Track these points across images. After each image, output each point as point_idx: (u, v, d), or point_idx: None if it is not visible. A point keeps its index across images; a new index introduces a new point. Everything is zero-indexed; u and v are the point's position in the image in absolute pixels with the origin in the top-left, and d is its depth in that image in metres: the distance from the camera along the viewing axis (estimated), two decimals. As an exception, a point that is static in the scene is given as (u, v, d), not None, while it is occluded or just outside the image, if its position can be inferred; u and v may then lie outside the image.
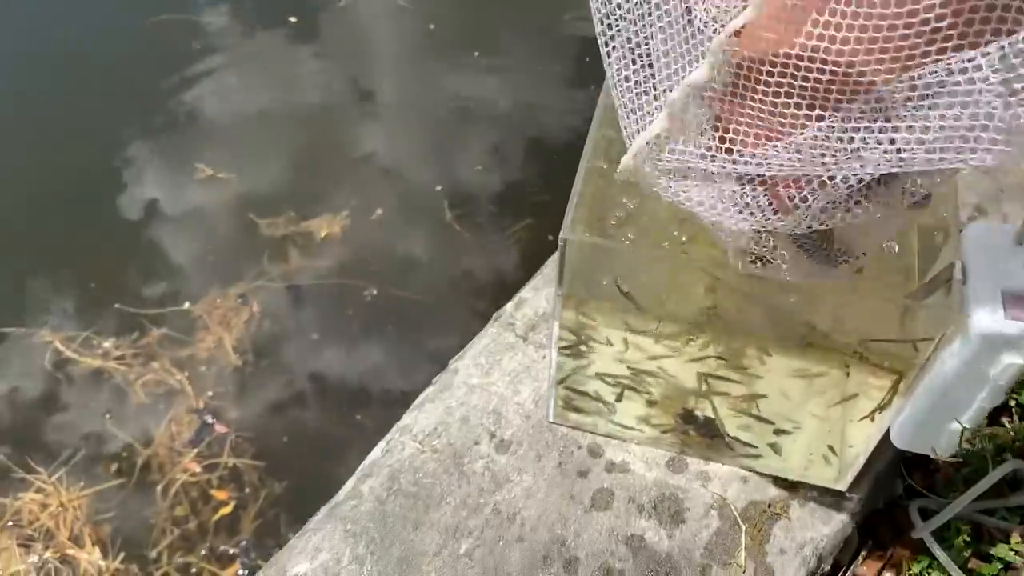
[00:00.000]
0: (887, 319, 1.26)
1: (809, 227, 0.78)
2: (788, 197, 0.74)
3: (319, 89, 3.39)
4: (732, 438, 1.61)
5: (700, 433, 1.64)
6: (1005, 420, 1.74)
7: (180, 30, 3.54)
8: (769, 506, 1.61)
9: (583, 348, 1.53)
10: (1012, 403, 1.74)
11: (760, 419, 1.57)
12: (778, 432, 1.58)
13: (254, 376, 2.50)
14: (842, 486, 1.62)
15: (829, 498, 1.62)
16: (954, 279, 1.14)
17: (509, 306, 1.89)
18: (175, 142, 3.17)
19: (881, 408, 1.43)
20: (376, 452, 1.67)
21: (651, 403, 1.64)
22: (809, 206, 0.74)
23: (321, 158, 3.05)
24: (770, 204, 0.77)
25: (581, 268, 1.31)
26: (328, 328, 2.61)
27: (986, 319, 1.10)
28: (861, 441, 1.50)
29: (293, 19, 3.70)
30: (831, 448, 1.61)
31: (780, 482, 1.64)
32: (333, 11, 3.77)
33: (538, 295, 1.90)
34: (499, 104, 3.29)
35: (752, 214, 0.79)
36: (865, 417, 1.46)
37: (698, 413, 1.62)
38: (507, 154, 3.08)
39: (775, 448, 1.61)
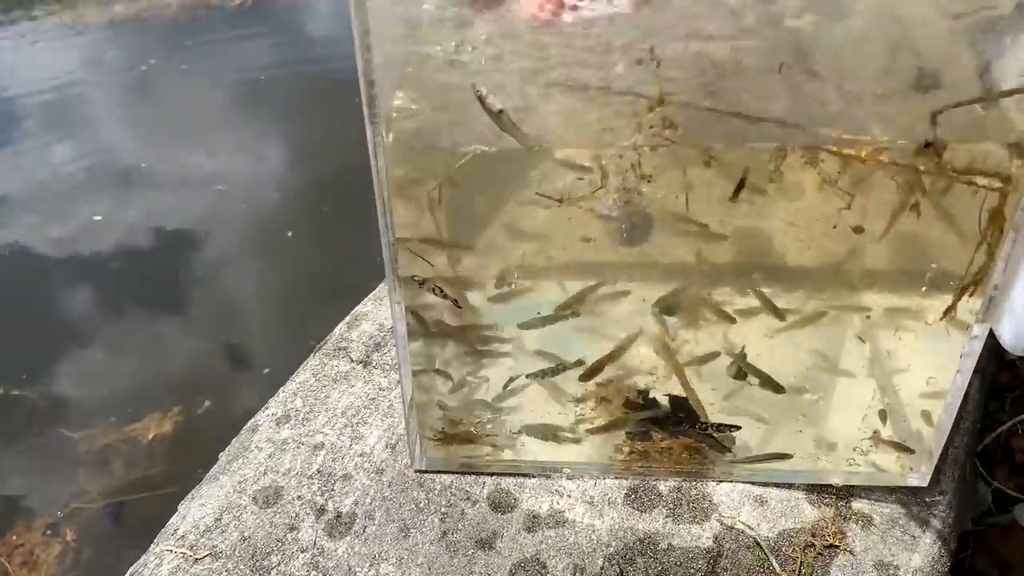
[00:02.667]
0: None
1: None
2: None
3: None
4: (723, 428, 0.94)
5: (671, 429, 0.96)
6: None
7: None
8: (814, 535, 0.91)
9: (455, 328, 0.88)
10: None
11: (767, 381, 0.91)
12: (790, 394, 0.93)
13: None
14: (920, 477, 0.95)
15: (902, 508, 0.95)
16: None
17: (339, 328, 1.21)
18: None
19: (971, 287, 0.81)
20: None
21: (580, 399, 0.96)
22: None
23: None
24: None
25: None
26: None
27: None
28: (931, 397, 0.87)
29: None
30: (883, 415, 0.95)
31: (820, 493, 0.96)
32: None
33: (383, 306, 1.23)
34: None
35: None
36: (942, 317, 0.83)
37: (656, 394, 0.95)
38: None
39: (794, 429, 0.95)
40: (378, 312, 1.23)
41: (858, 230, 0.87)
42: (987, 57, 0.71)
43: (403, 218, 0.84)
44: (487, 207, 0.91)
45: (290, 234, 2.67)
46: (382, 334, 1.19)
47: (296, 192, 2.85)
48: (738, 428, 0.96)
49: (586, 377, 0.94)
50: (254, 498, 0.98)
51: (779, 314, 0.92)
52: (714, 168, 0.78)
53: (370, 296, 1.27)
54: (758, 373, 0.94)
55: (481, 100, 0.73)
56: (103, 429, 2.31)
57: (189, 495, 1.02)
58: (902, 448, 0.96)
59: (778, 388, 0.95)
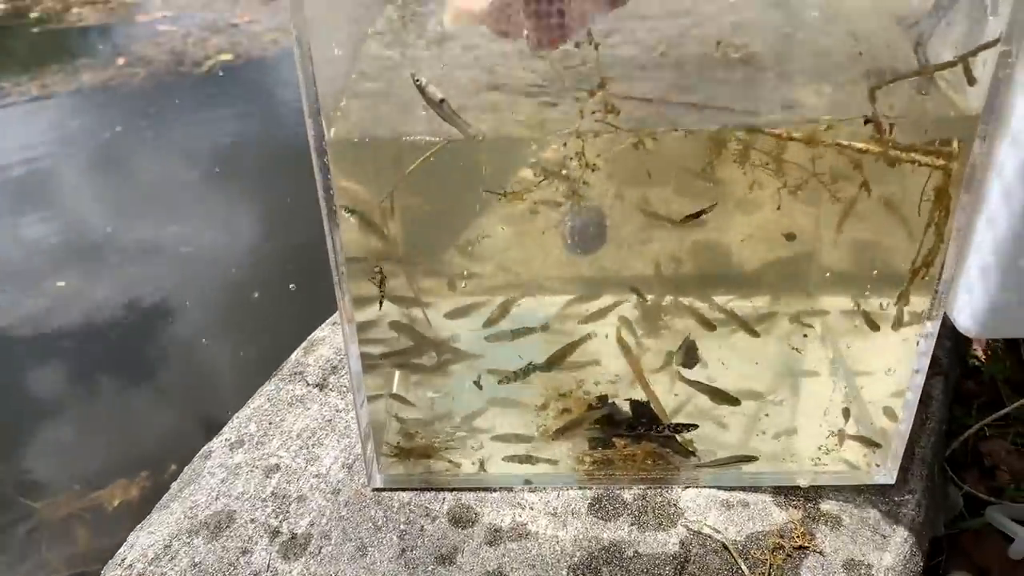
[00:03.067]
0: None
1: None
2: None
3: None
4: (681, 428, 0.93)
5: (631, 433, 0.94)
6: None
7: None
8: (782, 537, 0.89)
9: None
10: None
11: (716, 393, 0.91)
12: (753, 396, 0.92)
13: None
14: (887, 474, 0.93)
15: (871, 508, 0.93)
16: None
17: (295, 354, 1.18)
18: None
19: (922, 269, 0.81)
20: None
21: (543, 405, 0.94)
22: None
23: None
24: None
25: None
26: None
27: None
28: (891, 390, 0.87)
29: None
30: (846, 413, 0.94)
31: (788, 496, 0.94)
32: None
33: (340, 330, 1.20)
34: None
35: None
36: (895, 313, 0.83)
37: (615, 399, 0.94)
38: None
39: (728, 400, 0.93)
40: (335, 336, 1.21)
41: (790, 237, 0.87)
42: (922, 31, 0.72)
43: (353, 235, 0.83)
44: (440, 215, 0.90)
45: (257, 295, 2.63)
46: (339, 357, 1.17)
47: (264, 257, 2.82)
48: (695, 427, 0.94)
49: (545, 368, 0.92)
50: (205, 523, 0.94)
51: (750, 328, 0.92)
52: (660, 155, 0.78)
53: (328, 321, 1.25)
54: (708, 389, 0.93)
55: (421, 89, 0.73)
56: (67, 497, 2.25)
57: (139, 525, 0.98)
58: (868, 442, 0.94)
59: (732, 400, 0.94)
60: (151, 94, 4.15)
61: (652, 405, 0.94)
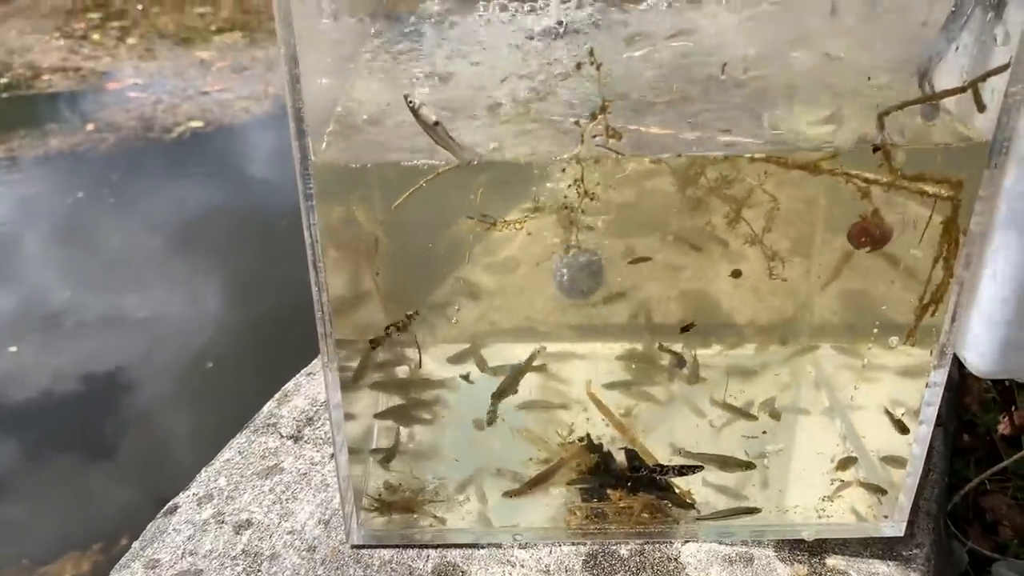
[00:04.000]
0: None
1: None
2: None
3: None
4: (685, 470, 0.88)
5: (633, 483, 0.89)
6: None
7: None
8: (789, 594, 0.84)
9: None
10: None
11: (727, 462, 0.88)
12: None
13: None
14: (895, 526, 0.89)
15: (879, 563, 0.90)
16: None
17: (268, 406, 1.12)
18: None
19: (930, 305, 0.78)
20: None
21: (540, 442, 0.90)
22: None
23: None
24: None
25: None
26: None
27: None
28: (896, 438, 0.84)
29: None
30: (850, 461, 0.90)
31: (792, 550, 0.90)
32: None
33: (315, 380, 1.15)
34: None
35: None
36: (904, 341, 0.80)
37: (601, 443, 0.89)
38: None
39: (740, 465, 0.89)
40: (310, 386, 1.15)
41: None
42: (926, 58, 0.71)
43: (337, 278, 0.79)
44: (425, 252, 0.86)
45: (210, 365, 2.55)
46: (314, 408, 1.11)
47: (224, 327, 2.75)
48: (701, 468, 0.89)
49: (497, 397, 0.87)
50: (168, 584, 0.87)
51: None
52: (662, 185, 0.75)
53: (302, 372, 1.19)
54: (718, 460, 0.90)
55: (414, 112, 0.70)
56: (14, 572, 2.12)
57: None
58: (875, 489, 0.90)
59: (746, 465, 0.90)
60: (117, 161, 4.11)
61: (639, 452, 0.89)
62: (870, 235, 0.76)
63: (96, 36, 5.94)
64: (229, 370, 2.55)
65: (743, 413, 0.90)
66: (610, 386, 0.89)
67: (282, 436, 1.07)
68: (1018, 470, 1.20)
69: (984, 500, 1.16)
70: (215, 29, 6.21)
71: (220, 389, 2.50)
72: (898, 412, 0.87)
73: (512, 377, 0.88)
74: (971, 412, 1.32)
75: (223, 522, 0.94)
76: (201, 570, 0.88)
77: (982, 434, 1.26)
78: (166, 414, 2.47)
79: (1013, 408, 1.27)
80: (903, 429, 0.86)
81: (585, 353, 0.92)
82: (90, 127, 4.54)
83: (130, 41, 5.91)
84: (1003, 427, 1.27)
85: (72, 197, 3.68)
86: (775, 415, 0.90)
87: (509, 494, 0.91)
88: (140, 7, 6.63)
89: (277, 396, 1.15)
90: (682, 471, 0.88)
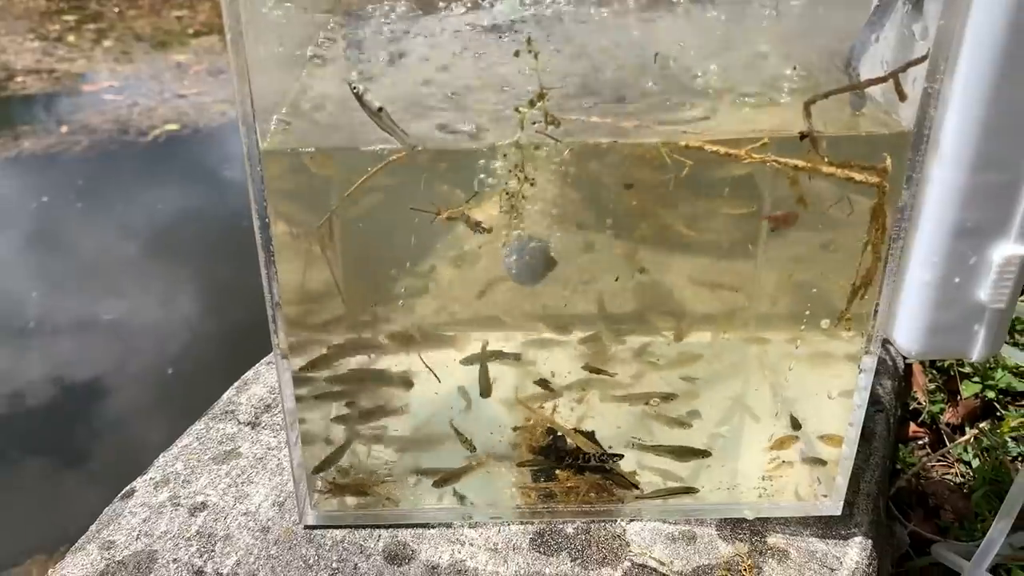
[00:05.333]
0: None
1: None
2: None
3: None
4: (610, 458, 0.91)
5: (573, 465, 0.92)
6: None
7: None
8: (729, 570, 0.87)
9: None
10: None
11: (683, 452, 0.90)
12: (681, 424, 0.91)
13: None
14: (833, 505, 0.92)
15: (819, 541, 0.92)
16: None
17: (227, 393, 1.14)
18: None
19: (860, 290, 0.81)
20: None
21: (465, 441, 0.92)
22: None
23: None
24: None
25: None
26: None
27: None
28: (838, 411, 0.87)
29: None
30: (794, 430, 0.93)
31: (734, 529, 0.92)
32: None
33: (274, 369, 1.16)
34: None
35: None
36: (838, 322, 0.83)
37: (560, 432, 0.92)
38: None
39: (695, 454, 0.92)
40: (270, 375, 1.17)
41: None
42: (852, 47, 0.74)
43: (288, 268, 0.81)
44: (382, 243, 0.88)
45: (170, 371, 2.54)
46: (272, 396, 1.13)
47: (198, 331, 2.73)
48: (621, 457, 0.92)
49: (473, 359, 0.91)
50: (123, 564, 0.89)
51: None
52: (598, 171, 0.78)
53: (262, 361, 1.21)
54: (673, 450, 0.93)
55: (358, 97, 0.72)
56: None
57: (51, 569, 0.92)
58: (816, 461, 0.93)
59: (701, 454, 0.93)
60: (91, 163, 4.08)
61: (569, 439, 0.91)
62: (775, 218, 0.81)
63: (71, 38, 5.91)
64: (201, 375, 2.54)
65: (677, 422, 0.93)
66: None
67: (240, 423, 1.09)
68: (962, 457, 1.24)
69: (928, 486, 1.19)
70: (192, 32, 6.19)
71: (193, 394, 2.49)
72: (834, 394, 0.90)
73: (482, 374, 0.90)
74: (917, 401, 1.36)
75: (179, 505, 0.96)
76: (156, 551, 0.90)
77: (928, 423, 1.30)
78: (137, 419, 2.46)
79: (958, 398, 1.31)
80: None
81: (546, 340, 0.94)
82: (64, 129, 4.51)
83: (106, 44, 5.88)
84: (949, 416, 1.30)
85: (36, 201, 3.64)
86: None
87: (437, 483, 0.93)
88: (117, 10, 6.60)
89: (236, 384, 1.17)
90: (603, 459, 0.92)
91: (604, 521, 0.93)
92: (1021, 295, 0.80)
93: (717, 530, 0.93)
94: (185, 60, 5.57)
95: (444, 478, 0.93)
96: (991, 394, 1.30)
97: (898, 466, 1.22)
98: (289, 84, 0.81)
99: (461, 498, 0.94)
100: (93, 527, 0.95)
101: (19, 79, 5.21)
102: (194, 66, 5.44)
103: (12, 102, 4.93)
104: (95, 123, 4.53)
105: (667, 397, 0.91)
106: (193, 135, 4.43)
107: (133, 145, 4.31)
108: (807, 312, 0.87)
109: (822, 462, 0.94)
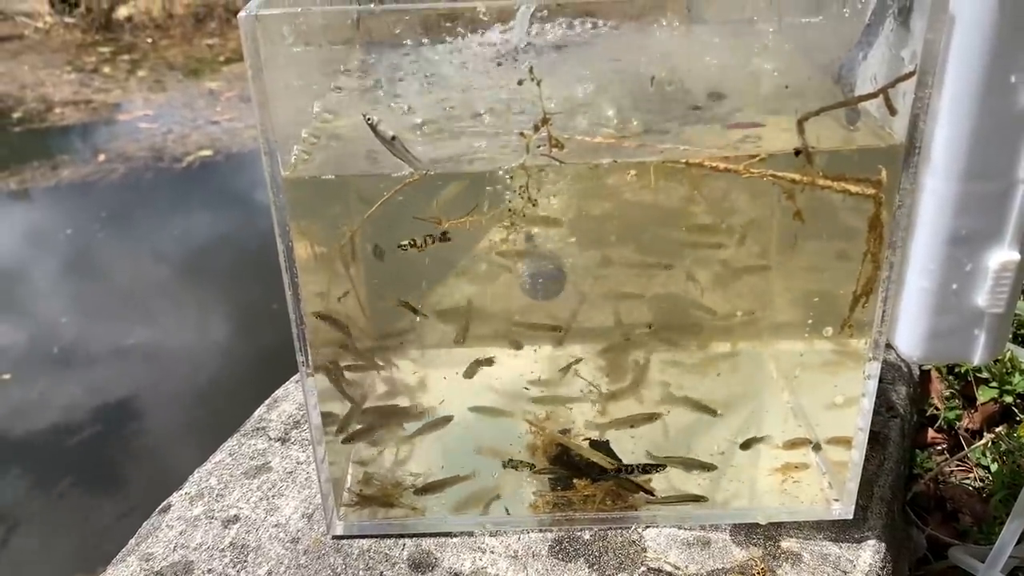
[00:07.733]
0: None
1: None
2: None
3: None
4: (649, 468, 0.94)
5: (591, 475, 0.95)
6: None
7: None
8: (743, 573, 0.89)
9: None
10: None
11: (691, 464, 0.94)
12: (708, 433, 0.94)
13: None
14: (844, 508, 0.94)
15: (833, 545, 0.94)
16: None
17: (259, 411, 1.19)
18: None
19: (861, 297, 0.84)
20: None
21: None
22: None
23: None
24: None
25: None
26: None
27: None
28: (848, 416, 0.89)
29: None
30: (800, 441, 0.96)
31: (748, 534, 0.95)
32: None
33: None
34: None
35: None
36: (839, 331, 0.86)
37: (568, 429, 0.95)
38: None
39: (702, 467, 0.95)
40: (299, 393, 1.22)
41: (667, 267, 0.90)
42: (842, 65, 0.77)
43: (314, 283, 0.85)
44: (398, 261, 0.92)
45: (217, 393, 2.58)
46: (302, 413, 1.17)
47: (231, 355, 2.78)
48: (663, 467, 0.95)
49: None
50: (161, 574, 0.93)
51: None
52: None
53: (292, 379, 1.26)
54: (682, 462, 0.96)
55: (373, 128, 0.76)
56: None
57: (95, 581, 0.97)
58: (825, 465, 0.95)
59: (707, 467, 0.96)
60: (127, 190, 4.18)
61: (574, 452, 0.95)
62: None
63: (107, 69, 6.05)
64: (237, 398, 2.59)
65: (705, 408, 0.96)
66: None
67: (270, 438, 1.13)
68: (980, 461, 1.25)
69: (945, 490, 1.20)
70: (223, 60, 6.32)
71: (226, 412, 2.54)
72: (842, 400, 0.93)
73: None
74: (935, 407, 1.37)
75: (213, 518, 1.00)
76: (192, 561, 0.94)
77: (945, 429, 1.31)
78: (174, 443, 2.50)
79: (976, 403, 1.32)
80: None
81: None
82: (101, 158, 4.62)
83: (140, 73, 6.02)
84: (967, 421, 1.31)
85: (72, 228, 3.72)
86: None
87: (419, 491, 0.97)
88: (150, 40, 6.76)
89: (267, 402, 1.21)
90: (646, 470, 0.94)
91: (620, 528, 0.96)
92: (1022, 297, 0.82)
93: (731, 535, 0.95)
94: (217, 87, 5.69)
95: (426, 487, 0.97)
96: (1008, 399, 1.31)
97: (916, 471, 1.23)
98: (308, 114, 0.86)
99: (485, 507, 0.98)
100: (132, 540, 1.00)
101: (57, 110, 5.35)
102: (226, 92, 5.56)
103: (51, 133, 5.06)
104: (131, 151, 4.65)
105: (651, 417, 0.95)
106: (226, 160, 4.53)
107: (168, 171, 4.41)
108: (809, 320, 0.90)
109: (833, 466, 0.96)
